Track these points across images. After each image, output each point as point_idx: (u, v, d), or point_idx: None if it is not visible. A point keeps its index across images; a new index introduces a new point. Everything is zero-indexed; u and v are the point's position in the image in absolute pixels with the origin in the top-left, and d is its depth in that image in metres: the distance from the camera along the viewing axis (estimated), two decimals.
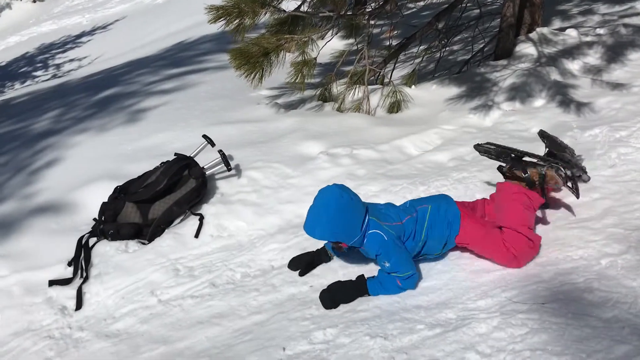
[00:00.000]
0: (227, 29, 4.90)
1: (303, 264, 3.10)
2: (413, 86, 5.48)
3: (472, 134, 4.33)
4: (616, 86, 4.62)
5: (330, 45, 5.95)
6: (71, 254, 3.61)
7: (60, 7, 21.52)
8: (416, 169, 3.95)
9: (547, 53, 5.24)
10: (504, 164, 3.02)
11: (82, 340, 3.05)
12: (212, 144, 4.21)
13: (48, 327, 3.19)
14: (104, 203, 3.89)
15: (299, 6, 5.41)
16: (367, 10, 5.48)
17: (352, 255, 3.04)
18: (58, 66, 13.69)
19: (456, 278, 2.75)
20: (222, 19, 4.79)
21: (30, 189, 4.58)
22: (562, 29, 5.67)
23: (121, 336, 3.00)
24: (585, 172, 3.26)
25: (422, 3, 8.41)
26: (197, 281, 3.27)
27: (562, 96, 4.58)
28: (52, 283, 3.44)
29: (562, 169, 2.74)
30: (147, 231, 3.72)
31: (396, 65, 6.13)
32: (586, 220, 2.90)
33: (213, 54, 8.06)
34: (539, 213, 2.96)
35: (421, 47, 6.41)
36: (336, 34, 6.09)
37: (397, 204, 3.47)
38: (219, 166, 4.07)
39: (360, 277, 2.81)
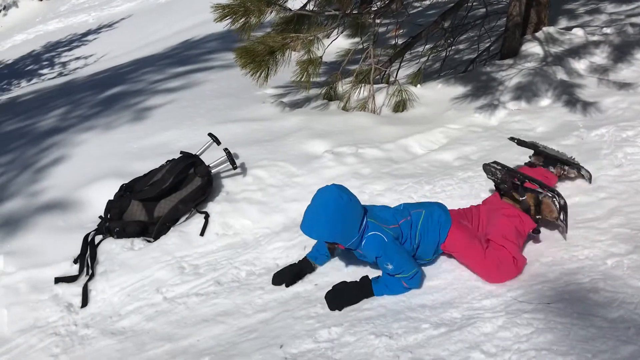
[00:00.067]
0: (233, 27, 4.90)
1: (288, 276, 3.03)
2: (419, 85, 5.47)
3: (478, 133, 4.33)
4: (623, 86, 4.60)
5: (336, 44, 5.95)
6: (77, 251, 3.62)
7: (67, 5, 21.60)
8: (422, 168, 3.95)
9: (553, 52, 5.23)
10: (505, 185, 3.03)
11: (87, 337, 3.06)
12: (218, 143, 4.22)
13: (54, 324, 3.20)
14: (109, 201, 3.90)
15: (305, 5, 5.42)
16: (373, 9, 5.48)
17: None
18: (64, 64, 13.75)
19: (461, 277, 2.74)
20: (228, 17, 4.80)
21: (37, 187, 4.60)
22: (569, 28, 5.65)
23: (127, 333, 3.01)
24: (583, 167, 3.26)
25: (427, 2, 8.40)
26: (202, 279, 3.28)
27: (568, 96, 4.57)
28: (58, 280, 3.45)
29: (558, 197, 2.74)
30: (152, 229, 3.73)
31: (402, 64, 6.13)
32: (592, 220, 2.89)
33: (219, 53, 8.07)
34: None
35: (427, 46, 6.41)
36: (342, 32, 6.10)
37: (402, 202, 3.49)
38: (225, 164, 4.07)
39: (365, 278, 2.79)
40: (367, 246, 2.73)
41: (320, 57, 5.28)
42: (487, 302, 2.49)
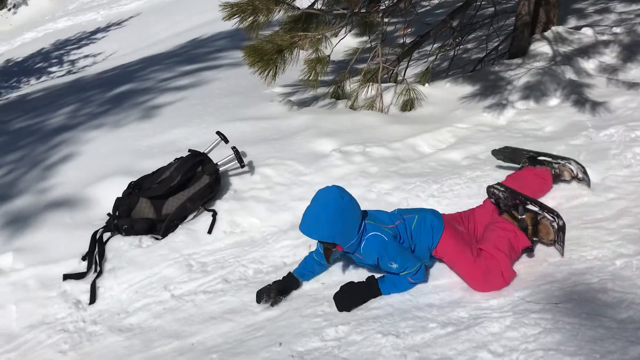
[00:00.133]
0: (241, 26, 4.90)
1: (273, 293, 2.94)
2: (427, 84, 5.46)
3: (486, 133, 4.31)
4: (632, 85, 4.57)
5: (344, 43, 5.95)
6: (85, 248, 3.65)
7: (76, 3, 21.68)
8: (429, 167, 3.94)
9: (562, 52, 5.20)
10: (502, 189, 3.02)
11: (95, 334, 3.08)
12: (226, 141, 4.22)
13: (62, 320, 3.22)
14: (118, 198, 3.91)
15: (313, 3, 5.41)
16: (381, 7, 5.48)
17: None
18: (73, 62, 13.81)
19: None
20: (236, 16, 4.79)
21: (46, 184, 4.62)
22: (578, 28, 5.62)
23: (134, 330, 3.03)
24: (586, 174, 3.25)
25: (436, 1, 8.39)
26: (210, 277, 3.29)
27: (577, 95, 4.55)
28: (66, 277, 3.47)
29: (557, 219, 2.73)
30: (160, 226, 3.75)
31: (410, 63, 6.12)
32: (601, 220, 2.88)
33: (227, 51, 8.09)
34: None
35: (435, 45, 6.39)
36: (350, 31, 6.09)
37: (410, 202, 3.50)
38: (233, 163, 4.08)
39: (371, 278, 2.79)
40: (366, 247, 2.71)
41: (328, 56, 5.28)
42: (494, 301, 2.49)
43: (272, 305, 2.92)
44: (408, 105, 5.15)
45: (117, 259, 3.56)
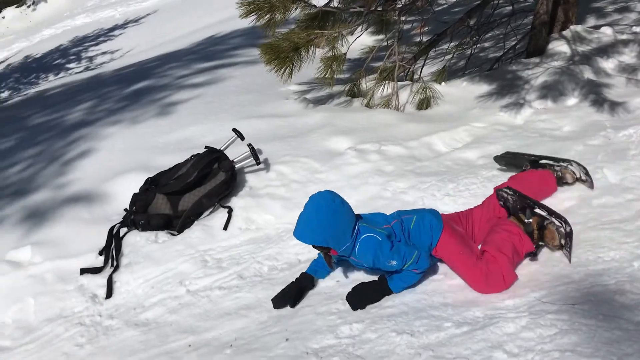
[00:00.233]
0: (258, 23, 4.92)
1: (291, 296, 2.91)
2: (443, 83, 5.43)
3: (503, 132, 4.28)
4: None
5: (360, 41, 5.93)
6: (102, 243, 3.69)
7: (93, 1, 21.87)
8: (445, 166, 3.92)
9: (580, 51, 5.15)
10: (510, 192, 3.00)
11: (112, 328, 3.12)
12: (242, 138, 4.24)
13: (79, 314, 3.26)
14: (135, 194, 3.95)
15: (330, 1, 5.41)
16: (398, 6, 5.45)
17: None
18: (91, 59, 13.91)
19: None
20: (253, 13, 4.81)
21: (64, 179, 4.68)
22: (597, 27, 5.55)
23: (150, 325, 3.06)
24: (588, 175, 3.22)
25: None
26: (225, 273, 3.31)
27: (596, 95, 4.50)
28: (83, 271, 3.51)
29: (564, 225, 2.70)
30: (176, 222, 3.78)
31: (426, 61, 6.09)
32: (619, 221, 2.85)
33: (243, 49, 8.12)
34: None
35: (452, 44, 6.35)
36: (366, 29, 6.06)
37: (426, 200, 3.50)
38: (248, 160, 4.10)
39: (383, 277, 2.79)
40: (361, 249, 2.71)
41: (344, 54, 5.28)
42: (510, 302, 2.48)
43: (291, 307, 2.90)
44: (424, 103, 5.13)
45: (134, 254, 3.59)
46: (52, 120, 6.67)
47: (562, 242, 2.70)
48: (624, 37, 5.32)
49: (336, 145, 4.41)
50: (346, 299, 2.75)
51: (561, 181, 3.26)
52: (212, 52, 8.61)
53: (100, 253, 3.64)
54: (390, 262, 2.66)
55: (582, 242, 2.74)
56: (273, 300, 2.93)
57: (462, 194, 3.51)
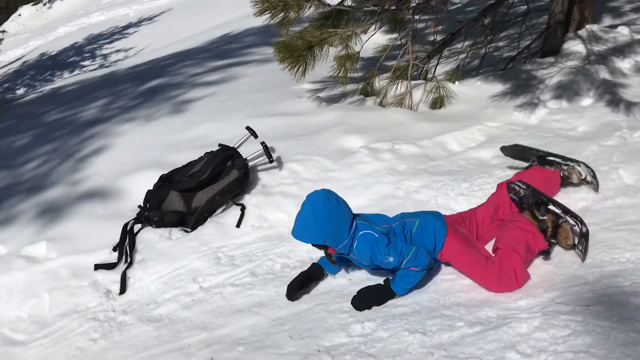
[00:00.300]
0: (272, 22, 4.93)
1: (298, 282, 2.99)
2: (457, 82, 5.41)
3: (517, 132, 4.26)
4: None
5: (374, 40, 5.92)
6: (116, 239, 3.72)
7: None
8: (459, 166, 3.91)
9: (596, 51, 5.11)
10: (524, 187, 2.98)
11: (125, 323, 3.14)
12: (255, 136, 4.26)
13: (93, 309, 3.30)
14: (149, 191, 3.98)
15: (343, 0, 5.40)
16: (412, 4, 5.44)
17: None
18: (105, 56, 14.01)
19: None
20: (267, 12, 4.82)
21: (79, 175, 4.73)
22: (613, 26, 5.50)
23: (163, 321, 3.08)
24: (582, 165, 3.19)
25: None
26: (238, 270, 3.33)
27: (611, 95, 4.46)
28: (97, 267, 3.55)
29: (580, 225, 2.68)
30: (190, 219, 3.80)
31: (440, 60, 6.07)
32: (635, 222, 2.82)
33: (257, 47, 8.13)
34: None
35: (466, 43, 6.32)
36: (380, 28, 6.06)
37: (439, 200, 3.49)
38: (261, 158, 4.11)
39: (387, 280, 2.77)
40: (359, 247, 2.72)
41: (358, 53, 5.27)
42: (523, 302, 2.47)
43: (297, 291, 2.97)
44: (438, 102, 5.11)
45: (147, 250, 3.62)
46: (67, 117, 6.73)
47: (576, 241, 2.68)
48: None
49: (349, 144, 4.41)
50: (351, 304, 2.75)
51: (566, 180, 3.22)
52: (225, 50, 8.64)
53: (114, 249, 3.67)
54: (388, 258, 2.66)
55: (597, 242, 2.72)
56: (288, 288, 2.99)
57: (476, 193, 3.49)
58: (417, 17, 5.47)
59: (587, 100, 4.54)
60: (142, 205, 3.94)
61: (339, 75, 5.23)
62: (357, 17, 5.41)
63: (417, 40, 6.01)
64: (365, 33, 5.56)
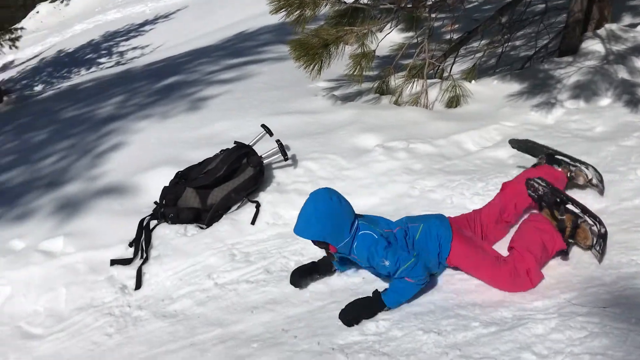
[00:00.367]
0: (288, 20, 4.93)
1: (303, 269, 3.06)
2: (473, 81, 5.38)
3: (534, 132, 4.22)
4: None
5: (389, 38, 5.90)
6: (132, 235, 3.74)
7: None
8: (474, 165, 3.89)
9: (615, 50, 5.05)
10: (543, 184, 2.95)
11: (140, 319, 3.17)
12: (270, 134, 4.27)
13: (109, 304, 3.32)
14: (165, 187, 4.00)
15: None
16: (428, 3, 5.41)
17: None
18: (121, 53, 14.12)
19: None
20: (283, 10, 4.83)
21: (96, 171, 4.77)
22: (633, 25, 5.44)
23: (178, 317, 3.10)
24: (590, 167, 3.16)
25: None
26: (253, 267, 3.34)
27: (630, 95, 4.41)
28: (113, 262, 3.57)
29: (599, 225, 2.65)
30: (205, 216, 3.81)
31: (456, 59, 6.04)
32: None
33: (272, 45, 8.15)
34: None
35: (483, 42, 6.28)
36: (396, 26, 6.04)
37: (454, 199, 3.47)
38: (276, 156, 4.12)
39: (376, 292, 2.70)
40: (358, 247, 2.72)
41: (374, 51, 5.26)
42: (539, 303, 2.45)
43: (300, 277, 3.03)
44: (454, 101, 5.09)
45: (163, 246, 3.64)
46: (84, 114, 6.79)
47: (593, 242, 2.66)
48: None
49: (364, 143, 4.41)
50: (339, 317, 2.68)
51: (572, 181, 3.18)
52: (241, 48, 8.66)
53: (130, 245, 3.69)
54: (384, 261, 2.63)
55: (615, 244, 2.69)
56: (292, 274, 3.06)
57: (492, 193, 3.45)
58: (433, 15, 5.45)
59: (605, 100, 4.50)
60: (158, 201, 3.96)
61: (355, 73, 5.22)
62: (373, 15, 5.40)
63: (434, 39, 5.98)
64: (381, 31, 5.54)
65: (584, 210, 2.74)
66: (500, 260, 2.69)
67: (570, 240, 2.74)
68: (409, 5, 5.26)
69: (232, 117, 5.29)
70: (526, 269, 2.59)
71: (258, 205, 3.83)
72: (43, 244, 3.81)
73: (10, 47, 12.58)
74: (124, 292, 3.40)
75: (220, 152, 4.13)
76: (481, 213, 3.03)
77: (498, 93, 5.12)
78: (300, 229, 2.77)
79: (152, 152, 4.82)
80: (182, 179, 4.03)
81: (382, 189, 3.81)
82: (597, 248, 2.63)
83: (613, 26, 5.31)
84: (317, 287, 3.03)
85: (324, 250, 2.90)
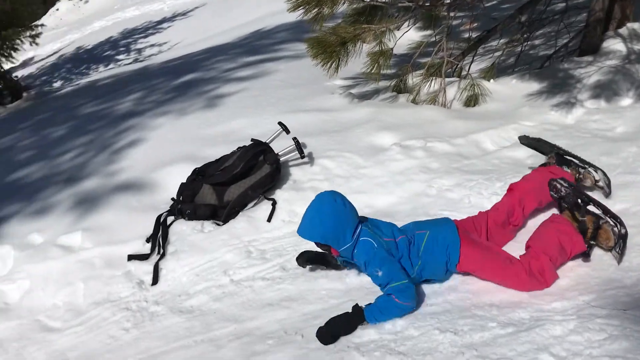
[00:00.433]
0: (306, 17, 4.93)
1: (309, 256, 3.10)
2: (492, 80, 5.34)
3: (553, 132, 4.18)
4: None
5: (407, 37, 5.88)
6: (150, 230, 3.77)
7: None
8: (492, 165, 3.86)
9: (637, 50, 4.98)
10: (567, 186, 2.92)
11: (157, 314, 3.19)
12: (287, 131, 4.27)
13: (126, 299, 3.35)
14: (182, 184, 4.02)
15: None
16: (447, 1, 5.38)
17: None
18: (140, 51, 14.19)
19: None
20: (301, 7, 4.82)
21: (114, 167, 4.81)
22: None
23: (194, 312, 3.11)
24: (599, 170, 3.13)
25: None
26: (268, 264, 3.35)
27: None
28: (130, 258, 3.60)
29: (619, 226, 2.61)
30: (222, 213, 3.83)
31: (475, 58, 5.98)
32: None
33: (289, 43, 8.15)
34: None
35: (502, 41, 6.23)
36: (414, 24, 6.02)
37: (472, 199, 3.45)
38: (293, 153, 4.12)
39: (356, 307, 2.65)
40: (358, 252, 2.72)
41: (391, 49, 5.24)
42: (557, 304, 2.43)
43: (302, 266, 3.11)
44: (472, 100, 5.06)
45: (180, 242, 3.66)
46: (103, 110, 6.85)
47: (614, 243, 2.63)
48: None
49: (381, 141, 4.39)
50: (316, 335, 2.62)
51: (580, 183, 3.16)
52: (258, 46, 8.68)
53: (148, 240, 3.72)
54: (377, 271, 2.63)
55: (635, 245, 2.66)
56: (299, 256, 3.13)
57: None
58: (452, 13, 5.41)
59: (626, 100, 4.45)
60: (175, 197, 3.98)
61: (372, 71, 5.21)
62: (391, 14, 5.38)
63: (452, 37, 5.94)
64: (398, 29, 5.53)
65: (605, 211, 2.71)
66: (513, 260, 2.68)
67: (592, 242, 2.71)
68: (427, 4, 5.23)
69: (249, 115, 5.30)
70: (540, 268, 2.58)
71: (274, 203, 3.83)
72: (61, 239, 3.85)
73: (30, 44, 12.71)
74: (141, 287, 3.42)
75: (237, 149, 4.14)
76: (488, 217, 3.00)
77: (517, 92, 5.07)
78: (303, 231, 2.79)
79: (169, 149, 4.85)
80: (199, 175, 4.04)
81: (399, 188, 3.79)
82: (617, 249, 2.60)
83: (635, 25, 5.24)
84: (333, 284, 3.03)
85: (324, 251, 2.91)
